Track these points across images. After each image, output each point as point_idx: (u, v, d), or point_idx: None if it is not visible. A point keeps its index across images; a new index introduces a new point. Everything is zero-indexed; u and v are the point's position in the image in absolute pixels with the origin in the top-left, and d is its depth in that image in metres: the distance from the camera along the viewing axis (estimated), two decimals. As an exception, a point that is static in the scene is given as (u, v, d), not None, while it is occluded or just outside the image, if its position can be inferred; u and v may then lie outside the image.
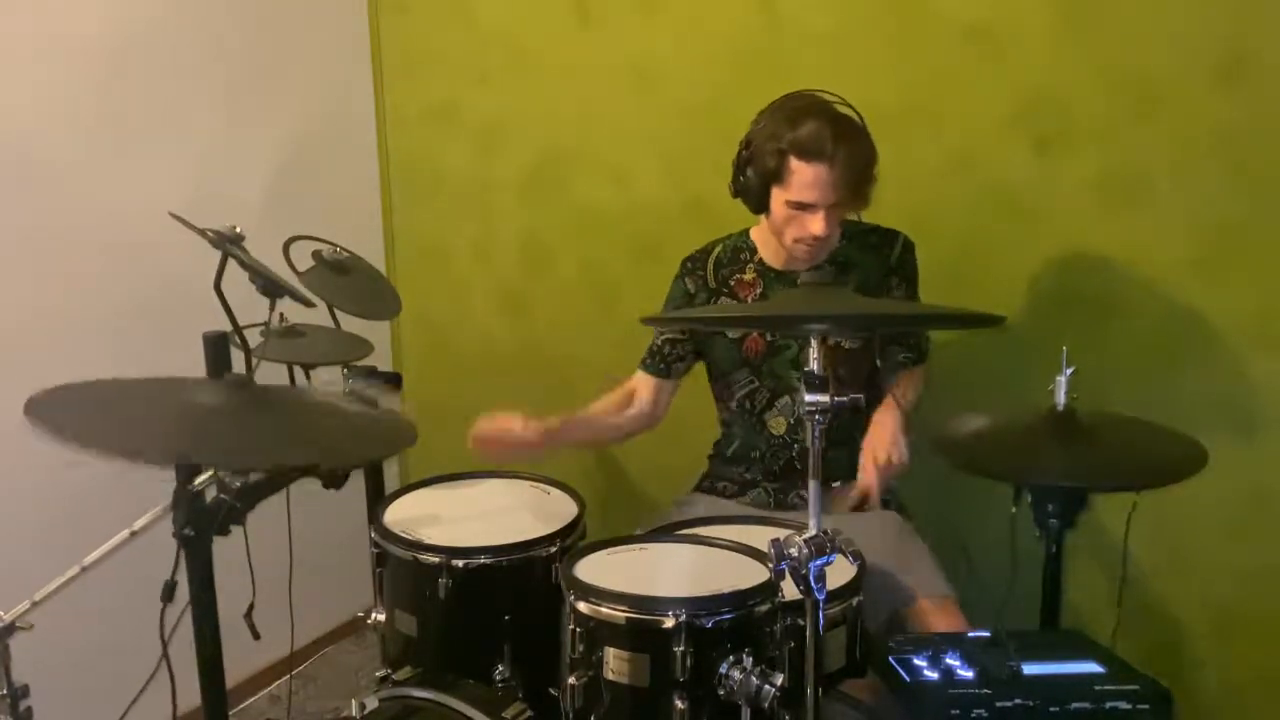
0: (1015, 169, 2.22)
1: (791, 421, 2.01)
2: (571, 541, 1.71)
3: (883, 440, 1.84)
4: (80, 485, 2.03)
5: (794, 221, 1.84)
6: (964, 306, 1.52)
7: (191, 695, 1.47)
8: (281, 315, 1.91)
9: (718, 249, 2.07)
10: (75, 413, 1.26)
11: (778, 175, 1.81)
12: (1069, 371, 1.65)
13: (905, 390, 2.01)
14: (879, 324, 1.81)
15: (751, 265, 2.03)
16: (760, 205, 1.89)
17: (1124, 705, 1.37)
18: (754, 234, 2.05)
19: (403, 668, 1.75)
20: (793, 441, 2.02)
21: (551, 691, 1.64)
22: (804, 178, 1.79)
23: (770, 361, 2.01)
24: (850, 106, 1.85)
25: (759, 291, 2.01)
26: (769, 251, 2.02)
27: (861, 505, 1.84)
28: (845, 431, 1.94)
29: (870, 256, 1.99)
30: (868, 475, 1.81)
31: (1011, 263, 2.25)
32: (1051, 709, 1.37)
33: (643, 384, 2.11)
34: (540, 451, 1.88)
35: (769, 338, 2.00)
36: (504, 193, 2.81)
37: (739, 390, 2.05)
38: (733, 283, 2.03)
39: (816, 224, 1.82)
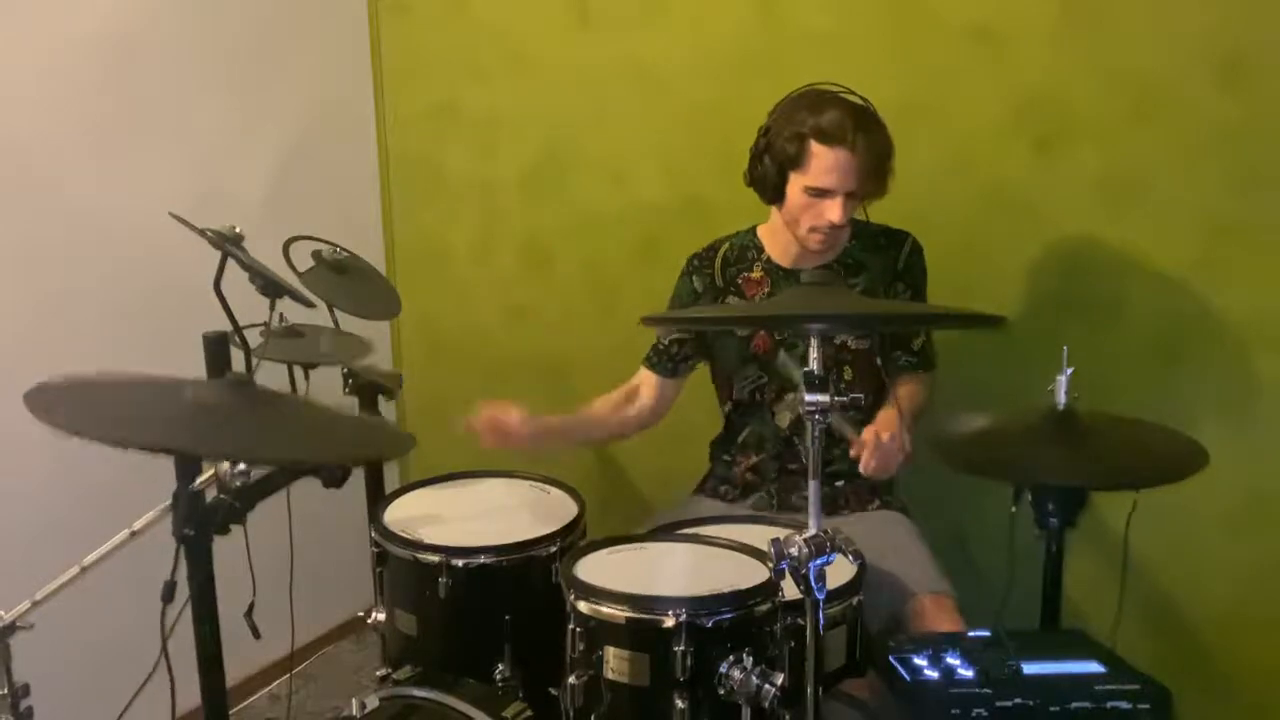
0: (1015, 169, 2.22)
1: (794, 417, 2.00)
2: (571, 541, 1.71)
3: (888, 425, 1.79)
4: (80, 485, 2.03)
5: (811, 209, 1.85)
6: (964, 306, 1.52)
7: (191, 695, 1.47)
8: (281, 315, 1.91)
9: (724, 247, 2.07)
10: (75, 402, 1.26)
11: (797, 161, 1.82)
12: (1069, 371, 1.65)
13: (907, 395, 2.00)
14: (879, 324, 1.81)
15: (759, 263, 2.02)
16: (776, 194, 1.89)
17: (1124, 705, 1.37)
18: (761, 232, 2.05)
19: (403, 667, 1.75)
20: (793, 435, 2.02)
21: (551, 691, 1.64)
22: (824, 162, 1.80)
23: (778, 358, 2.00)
24: (867, 102, 1.86)
25: (766, 290, 2.01)
26: (777, 249, 2.01)
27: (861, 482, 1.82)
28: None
29: (878, 258, 1.99)
30: (868, 437, 1.74)
31: (1011, 263, 2.25)
32: (1051, 709, 1.37)
33: (647, 382, 2.11)
34: (530, 446, 1.89)
35: (776, 335, 2.00)
36: (504, 193, 2.81)
37: (747, 385, 2.04)
38: (740, 281, 2.03)
39: (834, 210, 1.83)
